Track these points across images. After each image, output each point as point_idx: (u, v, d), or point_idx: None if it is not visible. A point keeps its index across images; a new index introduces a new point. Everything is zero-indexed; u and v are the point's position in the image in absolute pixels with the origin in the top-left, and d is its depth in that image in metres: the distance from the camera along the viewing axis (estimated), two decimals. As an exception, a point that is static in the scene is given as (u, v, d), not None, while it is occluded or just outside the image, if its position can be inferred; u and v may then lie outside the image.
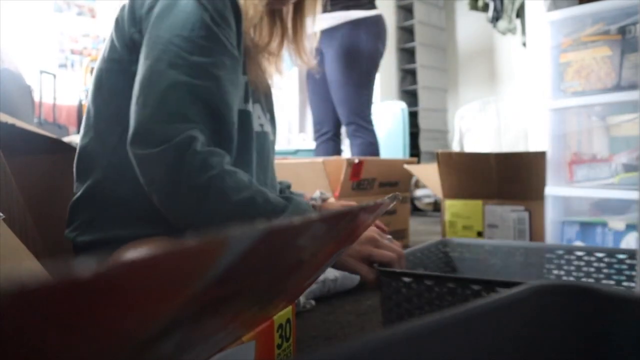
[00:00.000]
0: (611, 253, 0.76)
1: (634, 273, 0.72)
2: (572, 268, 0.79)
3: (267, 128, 0.90)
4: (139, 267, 0.14)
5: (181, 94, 0.65)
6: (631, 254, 0.75)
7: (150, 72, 0.66)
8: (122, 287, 0.14)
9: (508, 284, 0.53)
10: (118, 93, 0.73)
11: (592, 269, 0.77)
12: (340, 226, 0.30)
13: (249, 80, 0.82)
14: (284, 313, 0.48)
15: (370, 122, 2.04)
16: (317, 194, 0.95)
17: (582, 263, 0.78)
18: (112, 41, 0.76)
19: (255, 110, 0.86)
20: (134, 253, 0.14)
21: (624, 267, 0.74)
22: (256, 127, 0.85)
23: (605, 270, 0.76)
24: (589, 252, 0.77)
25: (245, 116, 0.81)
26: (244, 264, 0.21)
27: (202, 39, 0.68)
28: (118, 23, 0.75)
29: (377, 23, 2.05)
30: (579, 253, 0.78)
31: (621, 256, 0.75)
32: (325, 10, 2.06)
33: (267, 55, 0.90)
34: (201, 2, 0.69)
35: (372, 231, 0.68)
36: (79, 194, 0.76)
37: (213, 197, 0.64)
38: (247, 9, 0.79)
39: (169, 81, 0.65)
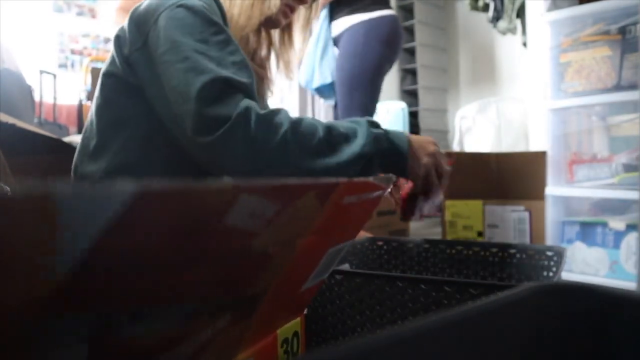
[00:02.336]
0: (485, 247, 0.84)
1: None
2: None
3: None
4: None
5: (217, 82, 0.67)
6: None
7: (182, 72, 0.68)
8: None
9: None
10: (115, 102, 0.78)
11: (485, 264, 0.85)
12: (306, 208, 0.25)
13: None
14: (291, 325, 0.43)
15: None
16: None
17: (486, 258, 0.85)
18: (112, 57, 0.79)
19: None
20: None
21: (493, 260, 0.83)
22: None
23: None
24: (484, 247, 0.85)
25: None
26: (126, 246, 0.16)
27: (217, 35, 0.72)
28: (119, 39, 0.78)
29: (380, 24, 2.01)
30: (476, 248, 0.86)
31: (493, 249, 0.83)
32: (335, 18, 2.10)
33: (254, 65, 0.91)
34: (203, 6, 0.73)
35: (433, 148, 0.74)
36: None
37: (294, 150, 0.67)
38: (239, 18, 0.82)
39: (203, 74, 0.67)
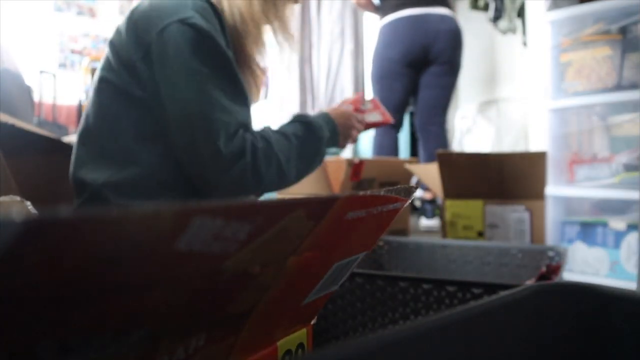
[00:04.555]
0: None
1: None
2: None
3: None
4: None
5: (226, 115, 0.74)
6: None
7: (197, 103, 0.73)
8: None
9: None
10: (112, 110, 0.77)
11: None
12: (294, 227, 0.24)
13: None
14: (295, 337, 0.40)
15: None
16: None
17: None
18: (107, 61, 0.78)
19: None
20: None
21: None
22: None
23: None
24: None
25: None
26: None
27: (227, 65, 0.75)
28: (115, 45, 0.77)
29: (382, 31, 2.18)
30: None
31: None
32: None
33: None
34: (210, 27, 0.74)
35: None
36: (78, 203, 0.78)
37: (284, 169, 0.81)
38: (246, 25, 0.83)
39: (212, 107, 0.73)
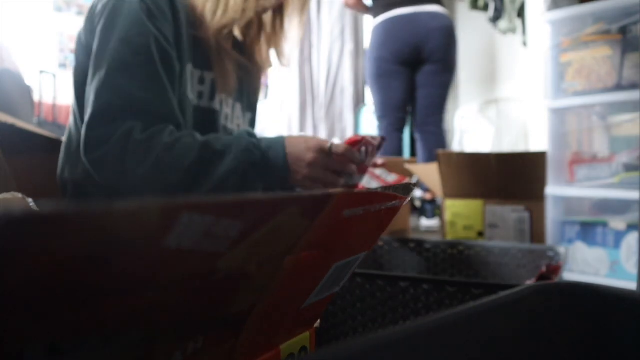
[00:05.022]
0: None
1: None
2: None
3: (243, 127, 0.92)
4: None
5: (116, 98, 0.68)
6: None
7: (95, 81, 0.69)
8: None
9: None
10: (79, 101, 0.77)
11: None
12: (289, 225, 0.23)
13: (217, 78, 0.82)
14: (298, 340, 0.39)
15: (378, 119, 2.25)
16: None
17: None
18: (76, 58, 0.79)
19: (234, 109, 0.88)
20: None
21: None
22: (230, 126, 0.87)
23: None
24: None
25: (209, 114, 0.82)
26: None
27: (138, 38, 0.69)
28: (80, 40, 0.78)
29: (374, 32, 2.19)
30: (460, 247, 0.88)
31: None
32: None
33: (249, 53, 0.90)
34: (145, 2, 0.71)
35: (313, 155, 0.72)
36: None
37: (167, 174, 0.68)
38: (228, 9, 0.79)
39: (106, 87, 0.68)
